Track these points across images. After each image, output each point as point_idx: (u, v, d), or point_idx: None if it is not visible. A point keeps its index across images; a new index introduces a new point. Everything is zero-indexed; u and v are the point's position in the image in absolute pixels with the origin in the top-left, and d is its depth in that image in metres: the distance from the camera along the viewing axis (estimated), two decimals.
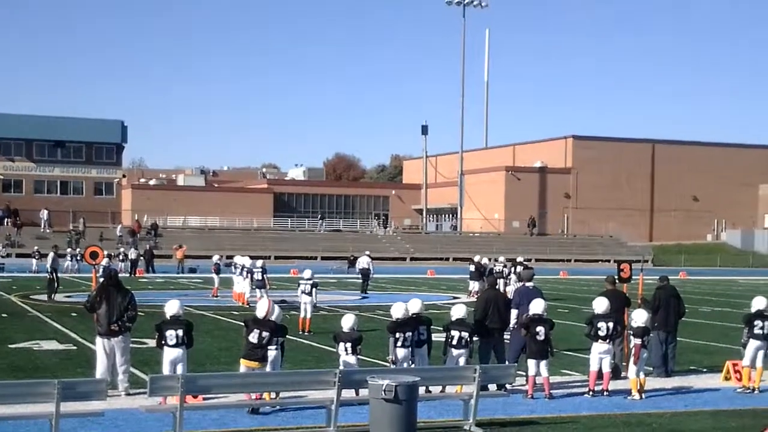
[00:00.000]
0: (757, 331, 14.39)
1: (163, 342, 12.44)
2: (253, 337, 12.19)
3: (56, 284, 31.36)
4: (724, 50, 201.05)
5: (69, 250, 53.59)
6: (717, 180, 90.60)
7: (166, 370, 12.35)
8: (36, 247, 53.27)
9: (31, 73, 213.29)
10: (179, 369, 12.26)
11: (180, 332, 12.47)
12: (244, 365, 12.23)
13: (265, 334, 12.21)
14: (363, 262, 38.47)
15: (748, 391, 14.29)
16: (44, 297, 30.82)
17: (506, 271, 34.93)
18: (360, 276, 38.16)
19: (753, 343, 14.41)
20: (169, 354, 12.44)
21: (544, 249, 75.55)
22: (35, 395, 9.93)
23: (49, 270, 31.39)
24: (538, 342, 13.54)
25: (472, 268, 34.73)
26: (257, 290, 27.79)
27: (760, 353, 14.41)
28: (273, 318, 12.52)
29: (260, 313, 12.52)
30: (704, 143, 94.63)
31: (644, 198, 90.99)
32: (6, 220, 70.16)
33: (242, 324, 12.92)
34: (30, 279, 42.21)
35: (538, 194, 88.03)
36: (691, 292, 40.11)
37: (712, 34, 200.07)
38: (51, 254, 32.26)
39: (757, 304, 14.62)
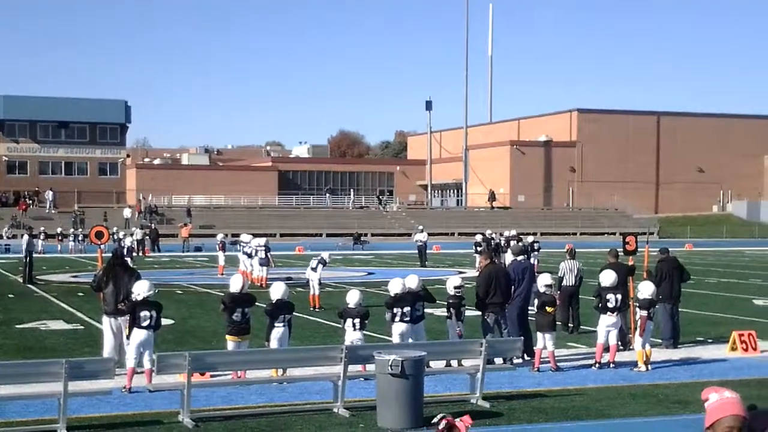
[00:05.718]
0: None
1: (135, 323, 12.01)
2: (237, 316, 12.35)
3: (30, 267, 29.72)
4: (729, 20, 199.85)
5: (72, 230, 53.97)
6: (722, 151, 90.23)
7: (132, 352, 11.94)
8: (42, 228, 53.30)
9: (34, 54, 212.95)
10: (146, 354, 11.87)
11: (154, 313, 12.14)
12: (231, 341, 12.39)
13: (246, 310, 12.44)
14: (420, 237, 39.84)
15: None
16: (56, 277, 30.64)
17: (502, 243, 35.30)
18: (417, 251, 39.46)
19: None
20: (139, 335, 12.00)
21: (550, 223, 75.51)
22: (43, 375, 9.99)
23: (24, 253, 30.04)
24: (546, 315, 13.55)
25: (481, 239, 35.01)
26: (262, 268, 27.70)
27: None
28: (280, 296, 12.60)
29: (235, 287, 12.60)
30: (709, 114, 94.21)
31: (649, 170, 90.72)
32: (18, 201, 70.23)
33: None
34: (36, 259, 42.10)
35: (543, 168, 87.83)
36: (698, 263, 40.09)
37: (716, 3, 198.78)
38: (25, 236, 31.42)
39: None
